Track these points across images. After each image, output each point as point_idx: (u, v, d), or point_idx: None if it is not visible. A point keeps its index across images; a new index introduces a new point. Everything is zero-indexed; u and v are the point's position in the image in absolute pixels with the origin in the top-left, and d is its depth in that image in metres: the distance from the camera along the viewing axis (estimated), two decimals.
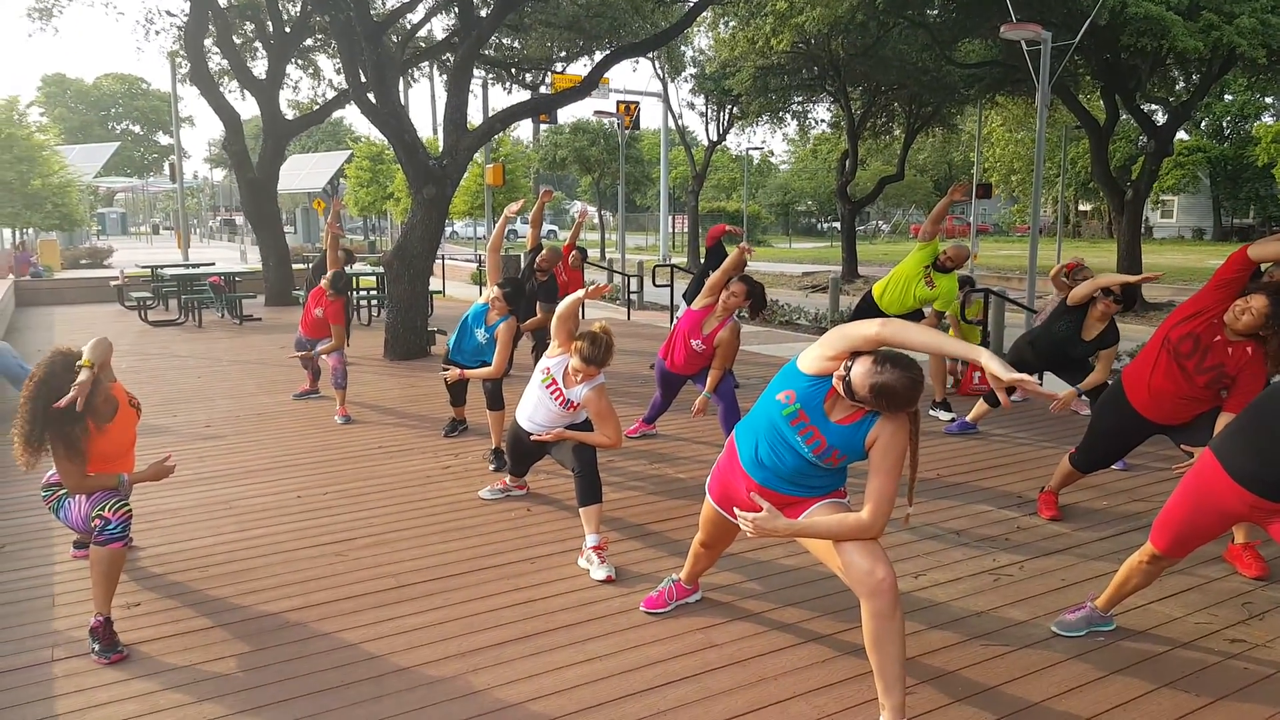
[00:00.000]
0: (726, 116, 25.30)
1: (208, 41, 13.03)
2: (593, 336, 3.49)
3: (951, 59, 16.20)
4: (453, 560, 3.60)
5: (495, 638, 2.96)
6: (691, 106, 44.77)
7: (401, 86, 17.01)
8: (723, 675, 2.72)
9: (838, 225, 29.67)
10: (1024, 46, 10.40)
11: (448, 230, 34.43)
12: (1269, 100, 35.01)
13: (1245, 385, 3.31)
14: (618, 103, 21.94)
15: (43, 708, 2.56)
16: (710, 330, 4.85)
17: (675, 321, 5.23)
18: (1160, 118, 17.90)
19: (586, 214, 9.97)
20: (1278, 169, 26.66)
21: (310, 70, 16.44)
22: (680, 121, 33.02)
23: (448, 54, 13.56)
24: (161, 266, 13.41)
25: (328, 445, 5.39)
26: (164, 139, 47.25)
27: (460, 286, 16.72)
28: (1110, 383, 4.05)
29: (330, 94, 16.26)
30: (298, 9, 13.43)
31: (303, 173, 32.15)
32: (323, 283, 6.10)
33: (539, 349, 7.27)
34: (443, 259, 15.45)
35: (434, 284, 10.54)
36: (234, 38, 13.43)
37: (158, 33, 25.25)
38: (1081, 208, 43.86)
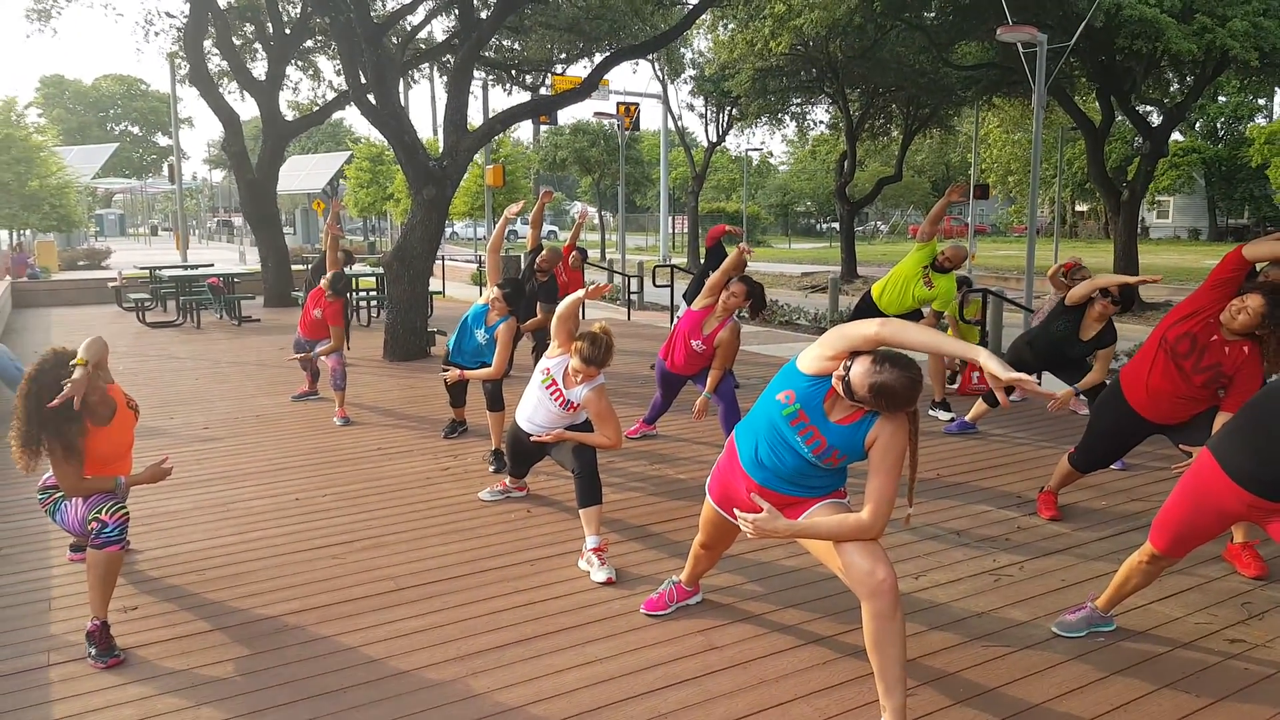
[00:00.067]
0: (726, 118, 25.32)
1: (207, 43, 13.03)
2: (593, 337, 3.49)
3: (948, 61, 16.23)
4: (452, 562, 3.59)
5: (495, 640, 2.95)
6: (691, 108, 44.98)
7: (401, 88, 17.00)
8: (724, 677, 2.72)
9: (836, 226, 29.70)
10: (1020, 49, 10.42)
11: (448, 231, 34.38)
12: (1262, 102, 35.11)
13: (1242, 385, 3.32)
14: (618, 104, 21.94)
15: (39, 713, 2.55)
16: (710, 331, 4.85)
17: (675, 322, 5.23)
18: (1155, 119, 17.92)
19: (586, 215, 9.96)
20: (1272, 170, 26.69)
21: (310, 71, 16.44)
22: (680, 123, 33.02)
23: (448, 55, 13.56)
24: (160, 268, 13.39)
25: (326, 447, 5.39)
26: (163, 140, 47.23)
27: (460, 287, 16.71)
28: (1108, 383, 4.05)
29: (330, 95, 16.28)
30: (298, 10, 13.43)
31: (302, 174, 32.14)
32: (322, 284, 6.09)
33: (539, 350, 7.26)
34: (443, 260, 15.44)
35: (434, 285, 10.54)
36: (234, 39, 13.43)
37: (157, 34, 25.14)
38: (1078, 208, 43.92)
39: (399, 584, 3.39)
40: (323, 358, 6.09)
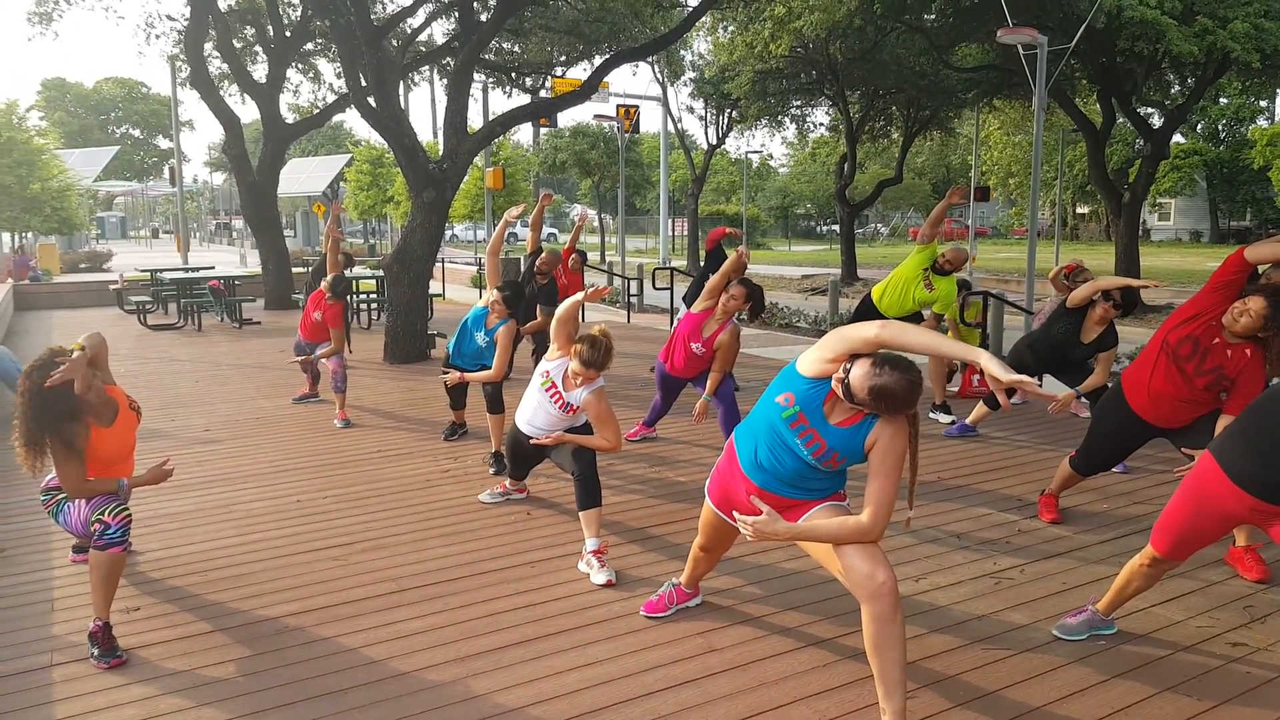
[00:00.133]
0: (725, 120, 25.34)
1: (208, 45, 13.05)
2: (592, 340, 3.49)
3: (949, 63, 16.24)
4: (452, 564, 3.59)
5: (495, 642, 2.95)
6: (691, 110, 45.05)
7: (401, 90, 17.01)
8: (723, 679, 2.72)
9: (837, 228, 29.72)
10: (1020, 51, 10.43)
11: (447, 233, 34.43)
12: (1264, 104, 35.12)
13: (1245, 387, 3.31)
14: (617, 106, 21.97)
15: (42, 713, 2.55)
16: (710, 333, 4.85)
17: (675, 325, 5.23)
18: (1156, 121, 17.95)
19: (586, 217, 9.96)
20: (1273, 172, 26.71)
21: (310, 74, 16.45)
22: (679, 125, 33.06)
23: (448, 58, 13.58)
24: (161, 270, 13.39)
25: (327, 449, 5.39)
26: (164, 143, 47.31)
27: (460, 290, 16.72)
28: (1109, 385, 4.05)
29: (330, 98, 16.30)
30: (298, 13, 13.45)
31: (303, 176, 32.16)
32: (322, 286, 6.10)
33: (539, 352, 7.26)
34: (443, 262, 15.45)
35: (434, 287, 10.55)
36: (234, 42, 13.45)
37: (158, 37, 25.20)
38: (1079, 211, 43.93)
39: (400, 585, 3.39)
40: (323, 360, 6.10)
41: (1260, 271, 3.52)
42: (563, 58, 14.67)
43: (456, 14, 11.53)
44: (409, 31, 13.55)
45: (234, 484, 4.69)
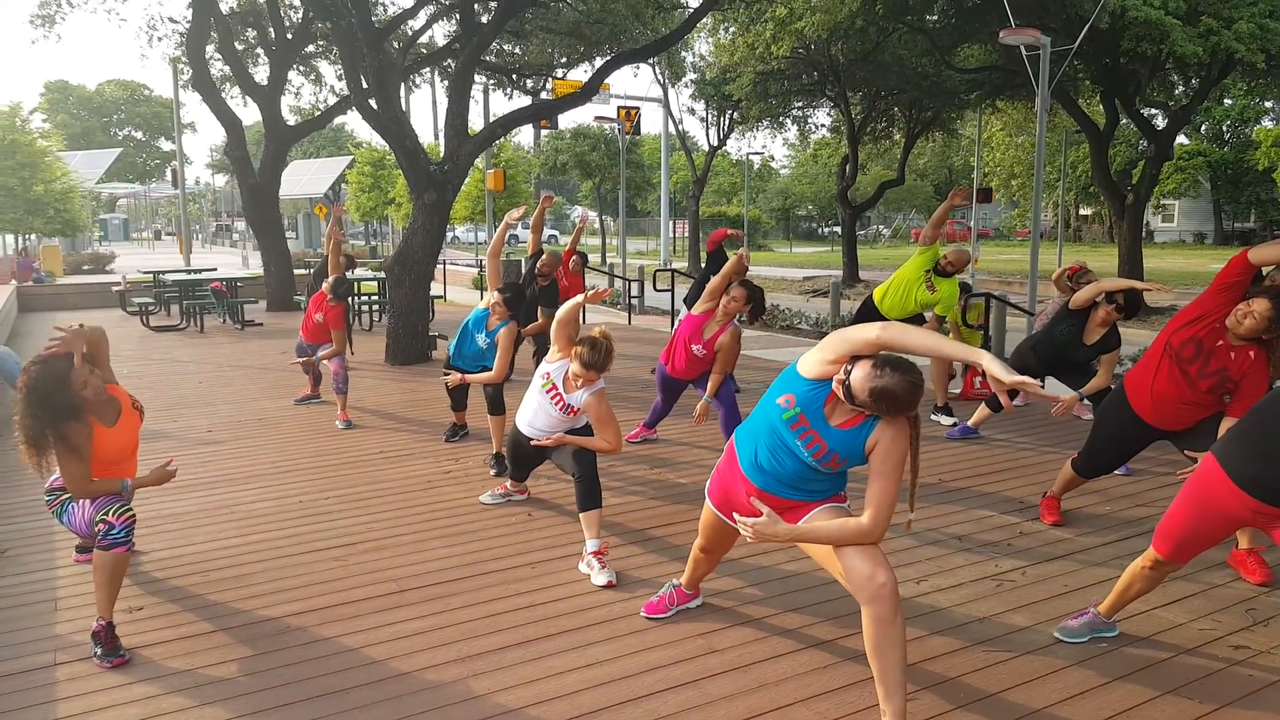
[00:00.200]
0: (727, 121, 25.35)
1: (210, 48, 13.07)
2: (593, 342, 3.49)
3: (951, 64, 16.24)
4: (453, 565, 3.59)
5: (495, 643, 2.95)
6: (692, 112, 45.06)
7: (403, 92, 17.04)
8: (724, 680, 2.72)
9: (838, 230, 29.69)
10: (1023, 51, 10.42)
11: (449, 235, 34.45)
12: (1269, 104, 35.04)
13: (1248, 390, 3.30)
14: (618, 108, 21.99)
15: (45, 711, 2.56)
16: (711, 335, 4.85)
17: (676, 326, 5.23)
18: (1160, 122, 17.93)
19: (587, 219, 9.97)
20: (1278, 173, 26.67)
21: (312, 76, 16.48)
22: (681, 127, 33.06)
23: (449, 60, 13.60)
24: (163, 272, 13.42)
25: (329, 450, 5.40)
26: (166, 145, 47.43)
27: (461, 291, 16.73)
28: (1112, 388, 4.05)
29: (332, 100, 16.31)
30: (299, 15, 13.48)
31: (304, 178, 32.21)
32: (324, 288, 6.11)
33: (540, 354, 7.27)
34: (444, 264, 15.47)
35: (435, 289, 10.56)
36: (236, 44, 13.48)
37: (160, 39, 25.30)
38: (1082, 212, 43.89)
39: (401, 586, 3.39)
40: (325, 361, 6.10)
41: (1264, 273, 3.51)
42: (564, 59, 14.67)
43: (457, 16, 11.55)
44: (410, 33, 13.57)
45: (236, 484, 4.69)
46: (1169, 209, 40.72)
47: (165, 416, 6.28)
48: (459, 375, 4.89)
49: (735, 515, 2.58)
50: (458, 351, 5.08)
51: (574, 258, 7.91)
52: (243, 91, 13.69)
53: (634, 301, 13.26)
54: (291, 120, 15.01)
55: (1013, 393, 2.13)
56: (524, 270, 7.29)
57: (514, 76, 15.19)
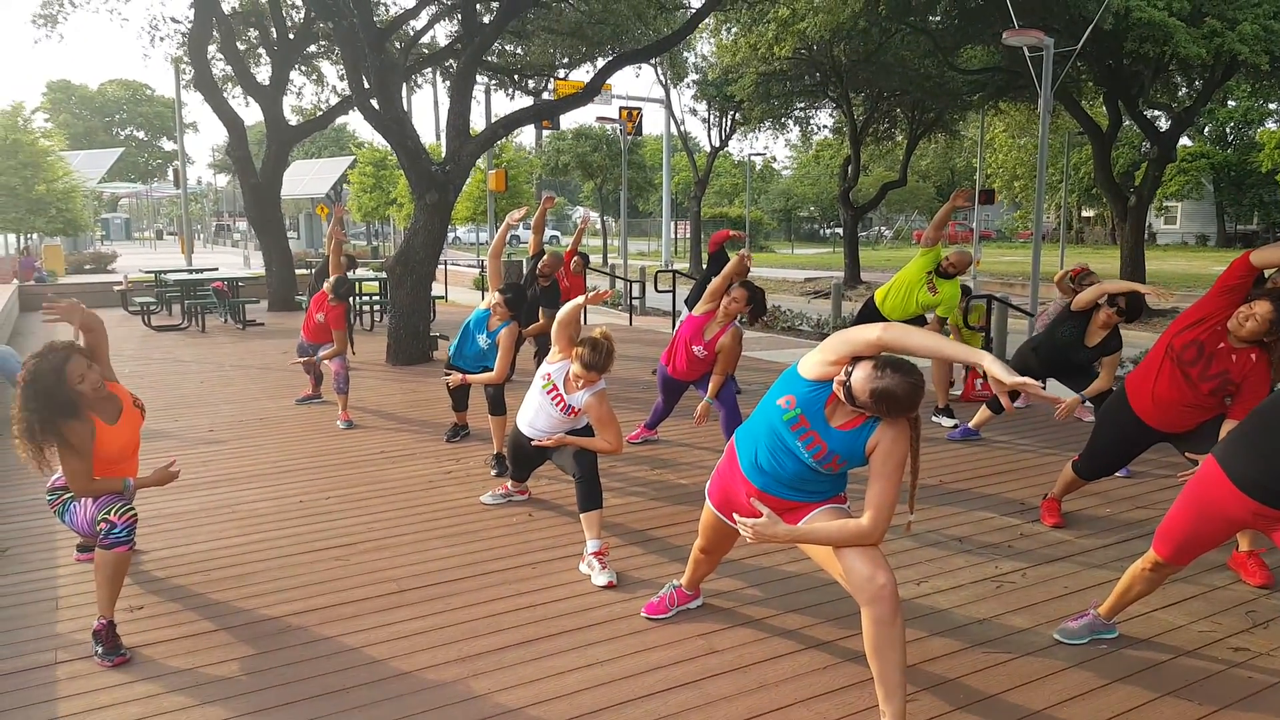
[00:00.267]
0: (729, 122, 25.34)
1: (212, 48, 13.09)
2: (593, 342, 3.50)
3: (954, 65, 16.23)
4: (454, 565, 3.60)
5: (496, 643, 2.96)
6: (694, 112, 44.81)
7: (405, 92, 17.05)
8: (724, 681, 2.72)
9: (840, 231, 29.69)
10: (1026, 53, 10.42)
11: (450, 236, 34.50)
12: (1272, 107, 35.02)
13: (1249, 392, 3.30)
14: (620, 108, 22.01)
15: (46, 710, 2.56)
16: (712, 336, 4.86)
17: (677, 327, 5.24)
18: (1163, 124, 17.91)
19: (588, 220, 9.97)
20: None
21: (314, 76, 16.50)
22: (682, 127, 33.12)
23: (451, 60, 13.60)
24: (165, 271, 13.43)
25: (330, 450, 5.40)
26: (168, 145, 47.50)
27: (463, 292, 16.74)
28: (1114, 390, 4.04)
29: (333, 100, 16.33)
30: (301, 16, 13.50)
31: (306, 178, 32.26)
32: (325, 288, 6.12)
33: (541, 355, 7.27)
34: (445, 264, 15.48)
35: (436, 289, 10.57)
36: (238, 44, 13.49)
37: (162, 39, 25.29)
38: (1085, 214, 43.85)
39: (401, 586, 3.39)
40: (326, 361, 6.11)
41: (1266, 276, 3.51)
42: (565, 60, 14.68)
43: (459, 16, 11.56)
44: (412, 34, 13.59)
45: (237, 484, 4.70)
46: (1172, 211, 40.69)
47: (166, 416, 6.29)
48: (460, 376, 4.90)
49: (735, 516, 2.58)
50: (459, 352, 5.08)
51: (575, 258, 7.92)
52: (245, 91, 13.71)
53: (635, 302, 13.26)
54: (293, 120, 15.04)
55: (1014, 394, 2.13)
56: (525, 271, 7.30)
57: (516, 77, 15.20)
